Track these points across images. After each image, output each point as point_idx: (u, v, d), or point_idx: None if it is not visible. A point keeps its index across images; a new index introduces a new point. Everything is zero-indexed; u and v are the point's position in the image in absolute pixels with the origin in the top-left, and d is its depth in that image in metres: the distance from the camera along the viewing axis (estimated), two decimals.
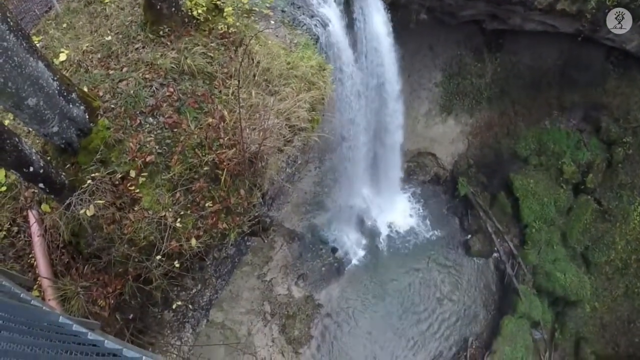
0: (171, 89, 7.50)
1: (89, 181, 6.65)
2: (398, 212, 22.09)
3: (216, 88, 7.87)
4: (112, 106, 7.19)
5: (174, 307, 10.60)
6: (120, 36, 7.97)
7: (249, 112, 7.78)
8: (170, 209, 6.97)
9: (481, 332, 20.30)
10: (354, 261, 20.73)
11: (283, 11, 10.41)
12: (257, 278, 18.26)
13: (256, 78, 8.34)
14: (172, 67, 7.61)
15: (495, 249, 21.60)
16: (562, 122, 22.93)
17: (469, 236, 21.90)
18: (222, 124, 7.48)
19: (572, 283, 20.20)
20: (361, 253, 21.01)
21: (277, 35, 9.78)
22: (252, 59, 8.45)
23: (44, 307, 4.91)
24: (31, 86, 5.58)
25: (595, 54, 21.75)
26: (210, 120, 7.45)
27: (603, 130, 22.20)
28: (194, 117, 7.46)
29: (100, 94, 7.28)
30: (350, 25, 13.14)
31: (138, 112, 7.23)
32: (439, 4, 18.82)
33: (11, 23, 5.07)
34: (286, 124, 8.16)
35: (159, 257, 6.89)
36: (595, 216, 21.57)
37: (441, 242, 21.85)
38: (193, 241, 7.10)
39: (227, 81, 7.95)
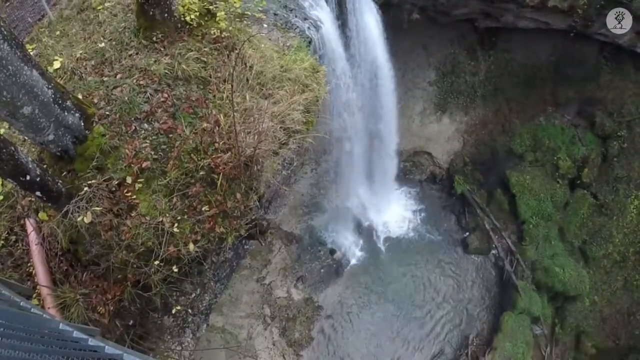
0: (165, 95, 7.53)
1: (85, 188, 6.67)
2: (395, 211, 22.13)
3: (210, 93, 7.90)
4: (107, 113, 7.20)
5: (173, 312, 10.63)
6: (114, 43, 7.99)
7: (244, 116, 7.80)
8: (167, 214, 6.99)
9: (481, 329, 20.34)
10: (353, 262, 20.75)
11: (275, 14, 10.45)
12: (256, 281, 18.27)
13: (250, 82, 8.37)
14: (166, 73, 7.63)
15: (494, 246, 21.65)
16: (557, 118, 23.02)
17: (467, 234, 21.95)
18: (217, 128, 7.51)
19: (571, 278, 20.26)
20: (359, 254, 21.02)
21: (270, 39, 9.81)
22: (246, 63, 8.48)
23: (44, 315, 4.92)
24: (26, 95, 5.60)
25: (588, 50, 21.86)
26: (205, 124, 7.47)
27: (598, 125, 22.30)
28: (189, 122, 7.49)
29: (95, 101, 7.30)
30: (343, 26, 13.18)
31: (133, 119, 7.25)
32: (432, 3, 18.89)
33: (5, 32, 5.09)
34: (281, 127, 8.20)
35: (157, 262, 6.91)
36: (592, 210, 21.65)
37: (439, 241, 21.89)
38: (191, 246, 7.12)
39: (221, 85, 7.97)
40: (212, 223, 7.38)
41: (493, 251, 21.75)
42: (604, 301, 20.91)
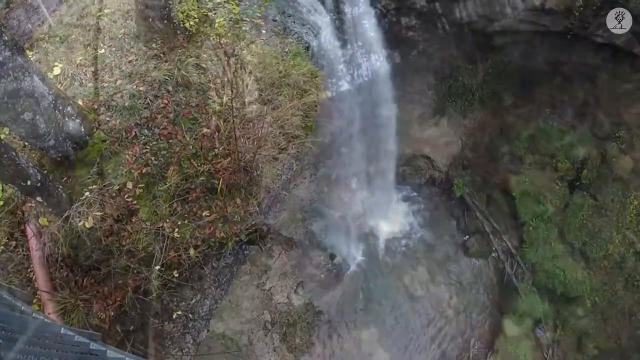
0: (165, 101, 7.56)
1: (86, 193, 6.69)
2: (394, 215, 22.13)
3: (210, 98, 7.93)
4: (107, 119, 7.24)
5: (174, 317, 10.62)
6: (114, 49, 8.03)
7: (243, 122, 7.84)
8: (167, 220, 7.01)
9: (483, 332, 20.30)
10: (353, 267, 20.71)
11: (274, 20, 10.50)
12: (256, 287, 18.23)
13: (249, 87, 8.41)
14: (166, 79, 7.67)
15: (494, 248, 21.64)
16: (555, 120, 23.01)
17: (467, 237, 21.93)
18: (217, 133, 7.54)
19: (572, 279, 20.22)
20: (359, 258, 21.00)
21: (268, 44, 9.85)
22: (245, 69, 8.52)
23: (45, 320, 4.93)
24: (27, 101, 5.63)
25: (585, 50, 21.91)
26: (204, 130, 7.51)
27: (596, 126, 22.31)
28: (189, 127, 7.52)
29: (95, 107, 7.33)
30: (341, 31, 13.24)
31: (133, 124, 7.29)
32: (430, 7, 18.97)
33: (6, 38, 5.13)
34: (280, 132, 8.24)
35: (158, 267, 6.92)
36: (592, 211, 21.59)
37: (439, 244, 21.87)
38: (191, 251, 7.14)
39: (221, 91, 8.01)
40: (212, 228, 7.40)
41: (493, 254, 21.73)
42: (605, 302, 20.83)
